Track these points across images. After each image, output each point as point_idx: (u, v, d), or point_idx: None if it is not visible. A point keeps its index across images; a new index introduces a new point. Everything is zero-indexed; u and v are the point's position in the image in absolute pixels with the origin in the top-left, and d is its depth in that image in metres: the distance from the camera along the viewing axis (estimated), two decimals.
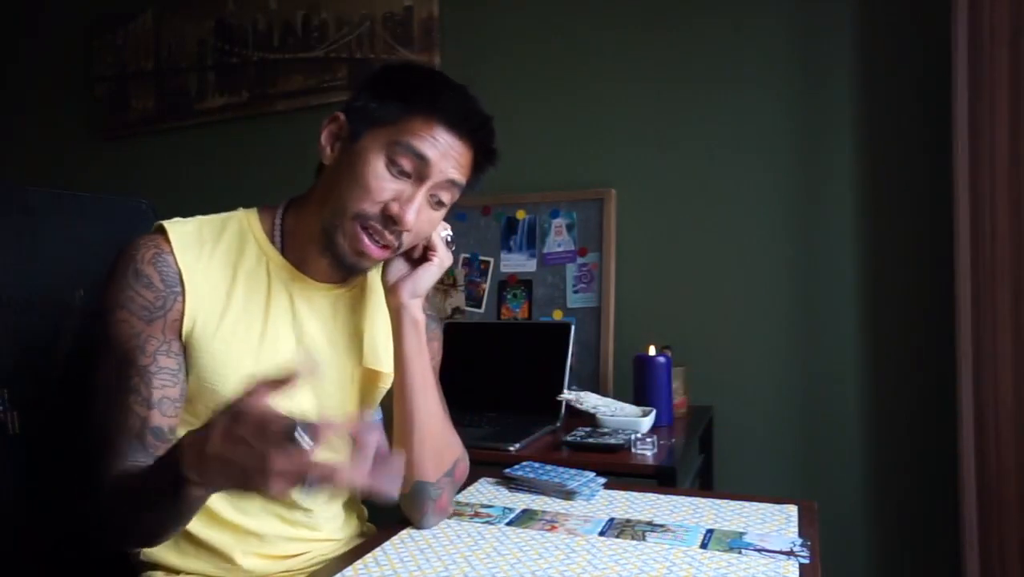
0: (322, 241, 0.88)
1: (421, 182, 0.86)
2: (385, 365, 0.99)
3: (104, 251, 1.07)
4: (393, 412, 0.96)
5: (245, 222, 0.92)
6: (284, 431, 0.56)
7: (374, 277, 0.99)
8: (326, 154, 0.90)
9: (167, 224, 0.87)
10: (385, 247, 0.87)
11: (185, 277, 0.84)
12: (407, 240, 0.89)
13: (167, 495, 0.68)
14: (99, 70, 2.71)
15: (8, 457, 0.93)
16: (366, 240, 0.86)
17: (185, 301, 0.84)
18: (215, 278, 0.87)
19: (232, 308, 0.87)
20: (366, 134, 0.86)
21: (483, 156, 0.92)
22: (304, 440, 0.56)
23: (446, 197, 0.89)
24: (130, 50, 2.66)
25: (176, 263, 0.84)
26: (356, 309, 0.98)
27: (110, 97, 2.70)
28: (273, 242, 0.92)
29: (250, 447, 0.57)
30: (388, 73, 0.90)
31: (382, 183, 0.85)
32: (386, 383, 1.00)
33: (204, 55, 2.53)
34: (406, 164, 0.85)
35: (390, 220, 0.85)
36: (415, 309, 0.94)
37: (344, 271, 0.91)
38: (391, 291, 0.94)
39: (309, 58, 2.36)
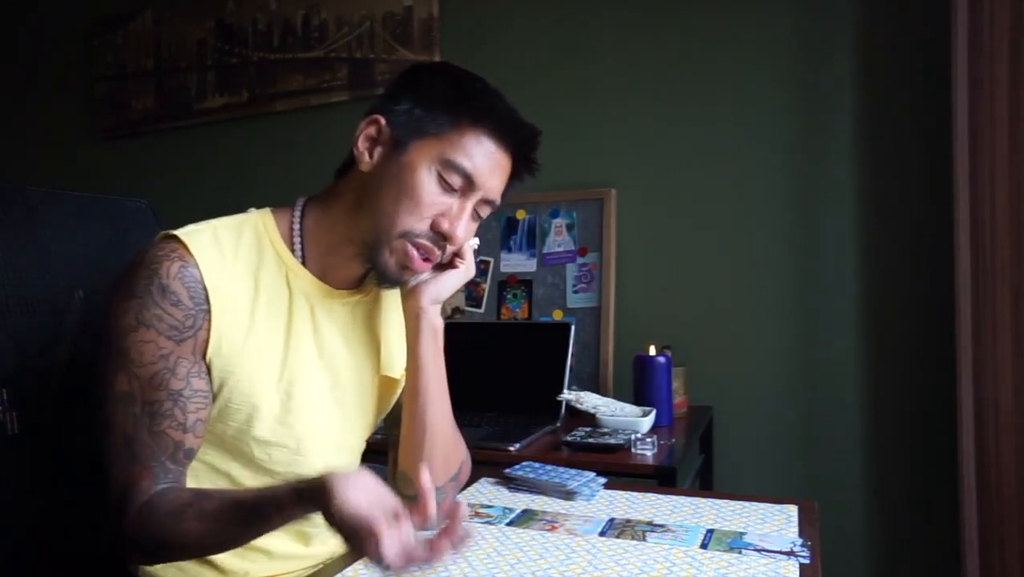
0: (361, 253, 0.86)
1: (467, 196, 0.85)
2: (399, 371, 0.99)
3: (104, 251, 1.07)
4: (401, 416, 0.95)
5: (261, 226, 0.88)
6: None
7: None
8: (364, 160, 0.85)
9: (182, 235, 0.81)
10: (428, 260, 0.86)
11: (211, 293, 0.80)
12: (448, 252, 0.88)
13: (283, 512, 0.72)
14: (99, 70, 2.71)
15: (8, 457, 0.93)
16: (416, 256, 0.84)
17: (211, 319, 0.80)
18: (238, 293, 0.83)
19: (256, 324, 0.84)
20: (412, 145, 0.84)
21: (524, 166, 0.91)
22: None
23: (485, 211, 0.89)
24: (130, 50, 2.65)
25: (201, 278, 0.80)
26: (372, 316, 0.96)
27: (110, 97, 2.70)
28: (292, 248, 0.88)
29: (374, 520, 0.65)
30: (430, 77, 0.88)
31: (433, 199, 0.83)
32: (400, 388, 1.00)
33: (204, 55, 2.53)
34: (455, 181, 0.84)
35: (439, 236, 0.84)
36: (434, 315, 0.92)
37: (386, 284, 0.89)
38: (410, 294, 0.92)
39: (309, 58, 2.35)
